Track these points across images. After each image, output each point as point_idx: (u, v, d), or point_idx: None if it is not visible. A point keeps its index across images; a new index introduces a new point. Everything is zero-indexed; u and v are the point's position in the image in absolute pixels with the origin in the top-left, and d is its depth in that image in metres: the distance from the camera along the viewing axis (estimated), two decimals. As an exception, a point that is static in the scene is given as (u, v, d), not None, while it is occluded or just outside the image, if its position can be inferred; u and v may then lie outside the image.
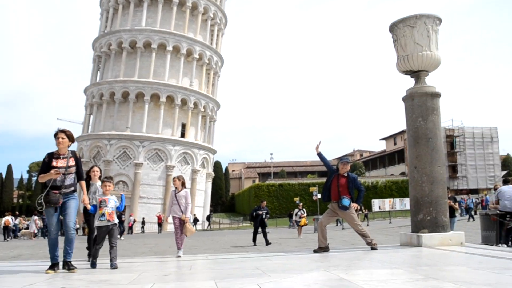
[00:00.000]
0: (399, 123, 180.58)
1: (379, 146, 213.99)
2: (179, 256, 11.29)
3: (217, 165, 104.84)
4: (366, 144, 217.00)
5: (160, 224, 53.73)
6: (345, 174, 11.14)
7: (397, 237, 19.18)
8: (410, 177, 11.00)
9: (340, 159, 11.58)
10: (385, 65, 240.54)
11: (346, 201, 10.91)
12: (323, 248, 10.81)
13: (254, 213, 22.74)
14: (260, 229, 23.03)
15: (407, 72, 11.35)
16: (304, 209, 30.63)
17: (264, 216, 22.78)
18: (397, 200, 56.79)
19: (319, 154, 11.43)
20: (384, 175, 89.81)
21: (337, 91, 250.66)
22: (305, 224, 29.95)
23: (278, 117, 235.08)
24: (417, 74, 11.26)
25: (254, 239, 22.30)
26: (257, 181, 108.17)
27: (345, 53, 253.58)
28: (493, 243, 13.42)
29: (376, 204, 54.38)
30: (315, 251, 10.82)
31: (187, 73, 64.80)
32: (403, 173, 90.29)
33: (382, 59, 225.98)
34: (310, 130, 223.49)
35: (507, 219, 13.26)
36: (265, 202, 23.74)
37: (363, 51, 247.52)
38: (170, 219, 11.99)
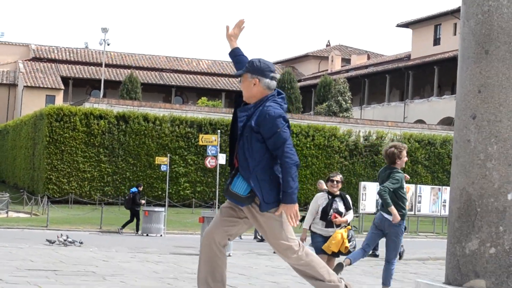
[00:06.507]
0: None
1: (392, 46, 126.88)
2: None
3: None
4: (359, 36, 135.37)
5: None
6: (249, 106, 4.63)
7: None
8: (457, 141, 4.77)
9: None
10: None
11: (239, 183, 4.54)
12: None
13: None
14: None
15: None
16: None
17: None
18: (427, 188, 27.78)
19: (234, 53, 4.89)
20: (402, 122, 45.18)
21: None
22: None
23: None
24: None
25: None
26: (58, 100, 50.25)
27: None
28: None
29: (371, 194, 24.01)
30: None
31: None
32: (449, 122, 44.27)
33: None
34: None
35: None
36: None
37: None
38: None
